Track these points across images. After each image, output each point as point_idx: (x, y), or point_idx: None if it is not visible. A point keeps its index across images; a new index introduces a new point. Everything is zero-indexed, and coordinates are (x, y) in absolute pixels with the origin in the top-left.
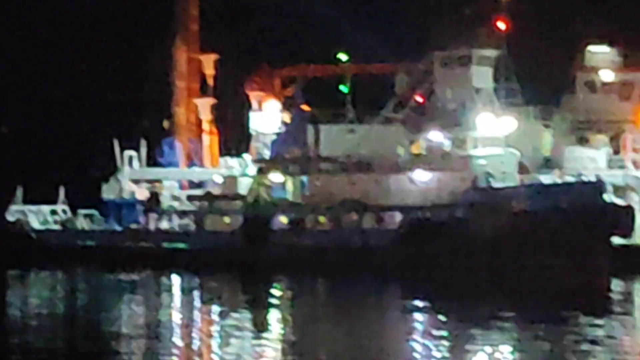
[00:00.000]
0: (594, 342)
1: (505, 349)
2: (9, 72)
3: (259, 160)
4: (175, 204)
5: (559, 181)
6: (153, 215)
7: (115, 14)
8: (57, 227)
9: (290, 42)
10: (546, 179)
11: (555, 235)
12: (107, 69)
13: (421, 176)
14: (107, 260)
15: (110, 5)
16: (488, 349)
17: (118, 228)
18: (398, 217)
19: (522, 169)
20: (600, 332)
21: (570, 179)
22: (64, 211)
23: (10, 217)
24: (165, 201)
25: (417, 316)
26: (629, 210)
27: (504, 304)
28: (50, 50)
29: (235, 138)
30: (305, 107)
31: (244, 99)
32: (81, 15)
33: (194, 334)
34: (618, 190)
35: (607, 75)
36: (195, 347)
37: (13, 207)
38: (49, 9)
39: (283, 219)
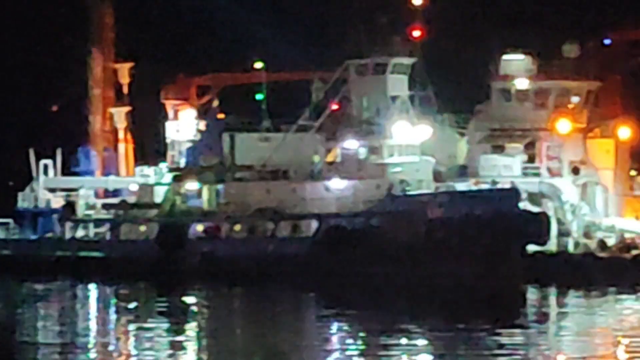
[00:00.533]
0: (508, 349)
1: (420, 357)
2: None
3: (174, 168)
4: (91, 212)
5: (475, 189)
6: (69, 224)
7: (30, 23)
8: None
9: (206, 51)
10: (461, 186)
11: (471, 243)
12: (21, 78)
13: (337, 184)
14: (23, 269)
15: (25, 14)
16: (401, 357)
17: (33, 237)
18: (314, 225)
19: (438, 176)
20: (516, 340)
21: (485, 186)
22: None
23: None
24: (81, 210)
25: (332, 324)
26: (543, 217)
27: (419, 311)
28: None
29: (151, 146)
30: (220, 116)
31: (160, 107)
32: None
33: (108, 343)
34: (533, 197)
35: (522, 83)
36: (109, 356)
37: None
38: None
39: (198, 227)
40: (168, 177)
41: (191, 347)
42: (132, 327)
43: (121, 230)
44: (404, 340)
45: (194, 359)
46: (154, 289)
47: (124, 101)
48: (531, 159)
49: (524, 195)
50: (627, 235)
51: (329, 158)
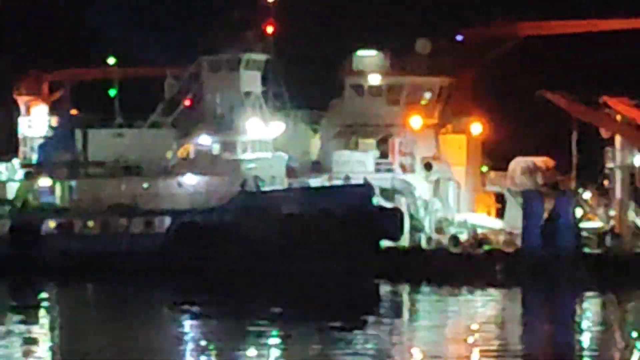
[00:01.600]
0: (360, 343)
1: (269, 353)
2: None
3: (26, 164)
4: None
5: (328, 185)
6: None
7: None
8: None
9: (59, 47)
10: (315, 182)
11: (325, 239)
12: None
13: (190, 180)
14: None
15: None
16: (251, 352)
17: None
18: (167, 221)
19: (291, 172)
20: (366, 341)
21: (338, 182)
22: None
23: None
24: None
25: (186, 320)
26: (396, 213)
27: (273, 307)
28: None
29: (4, 142)
30: (73, 111)
31: (12, 103)
32: None
33: None
34: (386, 193)
35: (374, 79)
36: None
37: None
38: None
39: (51, 224)
40: (20, 174)
41: (44, 343)
42: None
43: None
44: (255, 337)
45: (46, 355)
46: (6, 286)
47: None
48: (384, 155)
49: (377, 191)
50: (479, 231)
51: (183, 154)
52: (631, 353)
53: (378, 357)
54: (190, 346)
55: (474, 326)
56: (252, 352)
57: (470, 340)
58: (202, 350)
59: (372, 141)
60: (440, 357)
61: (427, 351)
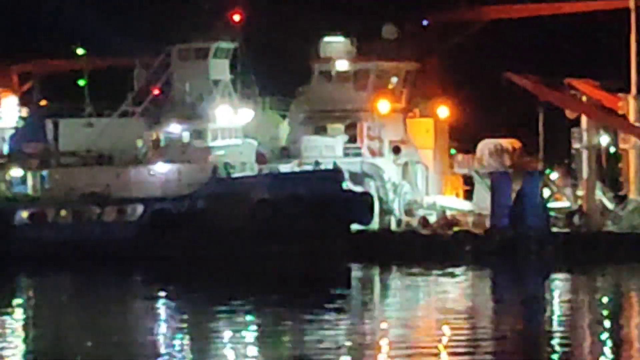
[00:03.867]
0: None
1: (246, 335)
2: None
3: None
4: None
5: (298, 170)
6: None
7: None
8: None
9: (26, 38)
10: (285, 168)
11: (295, 223)
12: None
13: (161, 168)
14: None
15: None
16: (223, 334)
17: None
18: (139, 209)
19: (261, 158)
20: (338, 321)
21: (308, 167)
22: None
23: None
24: None
25: (159, 305)
26: (366, 197)
27: (245, 291)
28: None
29: None
30: (43, 102)
31: None
32: None
33: None
34: (355, 177)
35: (341, 65)
36: None
37: None
38: None
39: (24, 214)
40: None
41: (19, 333)
42: None
43: None
44: (228, 319)
45: (20, 343)
46: None
47: None
48: (352, 140)
49: (346, 176)
50: (447, 212)
51: (153, 141)
52: (598, 329)
53: (349, 335)
54: (163, 329)
55: (443, 309)
56: (226, 333)
57: (440, 316)
58: (175, 332)
59: (340, 126)
60: (408, 336)
61: (396, 330)
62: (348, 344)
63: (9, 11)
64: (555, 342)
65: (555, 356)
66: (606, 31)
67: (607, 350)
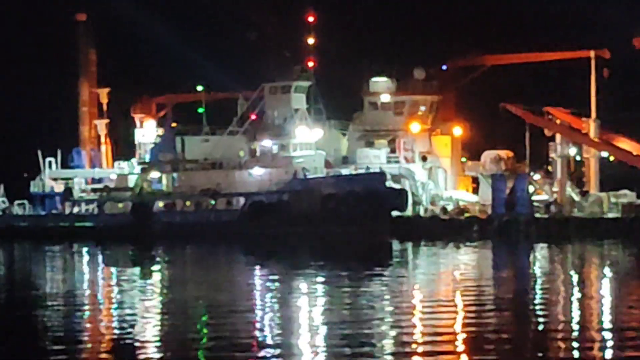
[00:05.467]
0: (378, 286)
1: (318, 291)
2: None
3: (142, 162)
4: (83, 194)
5: (354, 172)
6: (67, 203)
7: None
8: None
9: (162, 78)
10: (345, 171)
11: (352, 211)
12: (30, 101)
13: (257, 171)
14: (36, 236)
15: (29, 51)
16: (306, 290)
17: (43, 213)
18: (241, 200)
19: (328, 164)
20: (384, 279)
21: (361, 170)
22: (3, 202)
23: None
24: (76, 193)
25: (256, 269)
26: (402, 192)
27: (318, 259)
28: None
29: (125, 147)
30: (173, 124)
31: (131, 119)
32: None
33: (98, 286)
34: (395, 178)
35: (385, 98)
36: (99, 294)
37: None
38: None
39: (160, 204)
40: (137, 169)
41: (157, 286)
42: (114, 274)
43: (105, 207)
44: (306, 281)
45: (159, 294)
46: (129, 248)
47: (104, 115)
48: (392, 151)
49: (388, 176)
50: (461, 203)
51: (251, 153)
52: (568, 283)
53: (392, 292)
54: (257, 285)
55: (459, 270)
56: (303, 288)
57: (456, 275)
58: (265, 287)
59: (384, 141)
60: (433, 289)
61: (423, 285)
62: (391, 292)
63: (148, 59)
64: (537, 288)
65: (537, 298)
66: (574, 73)
67: (574, 294)
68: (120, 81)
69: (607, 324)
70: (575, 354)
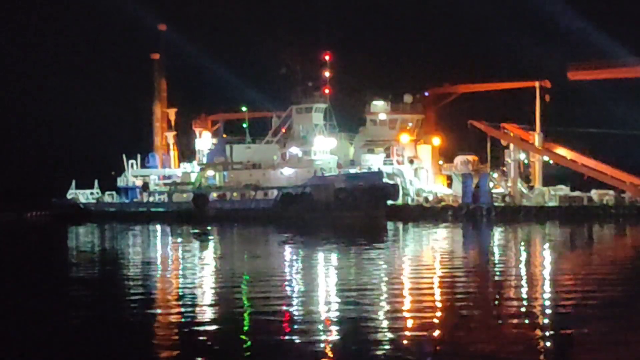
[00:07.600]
0: (377, 255)
1: (333, 259)
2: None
3: (201, 164)
4: (157, 187)
5: (359, 172)
6: (145, 194)
7: (121, 87)
8: (94, 201)
9: (215, 100)
10: (352, 171)
11: (358, 201)
12: (117, 121)
13: (287, 171)
14: (122, 219)
15: (117, 80)
16: (324, 258)
17: (127, 201)
18: (275, 192)
19: (339, 166)
20: (381, 250)
21: (365, 170)
22: (97, 193)
23: (69, 197)
24: (152, 186)
25: (287, 245)
26: (395, 186)
27: (332, 237)
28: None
29: (187, 153)
30: (224, 136)
31: (192, 132)
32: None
33: (176, 255)
34: (390, 176)
35: (382, 116)
36: (169, 259)
37: (70, 191)
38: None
39: (214, 195)
40: (197, 169)
41: (212, 255)
42: (180, 245)
43: (173, 197)
44: (326, 251)
45: (214, 260)
46: (191, 227)
47: (172, 129)
48: (388, 156)
49: (385, 175)
50: (438, 195)
51: (282, 157)
52: (519, 256)
53: (388, 259)
54: (290, 258)
55: (437, 243)
56: (321, 259)
57: (437, 252)
58: (293, 259)
59: (381, 149)
60: (419, 257)
61: (412, 255)
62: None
63: (205, 87)
64: (495, 258)
65: (496, 265)
66: (523, 97)
67: (522, 263)
68: (184, 103)
69: (547, 281)
70: (524, 296)
